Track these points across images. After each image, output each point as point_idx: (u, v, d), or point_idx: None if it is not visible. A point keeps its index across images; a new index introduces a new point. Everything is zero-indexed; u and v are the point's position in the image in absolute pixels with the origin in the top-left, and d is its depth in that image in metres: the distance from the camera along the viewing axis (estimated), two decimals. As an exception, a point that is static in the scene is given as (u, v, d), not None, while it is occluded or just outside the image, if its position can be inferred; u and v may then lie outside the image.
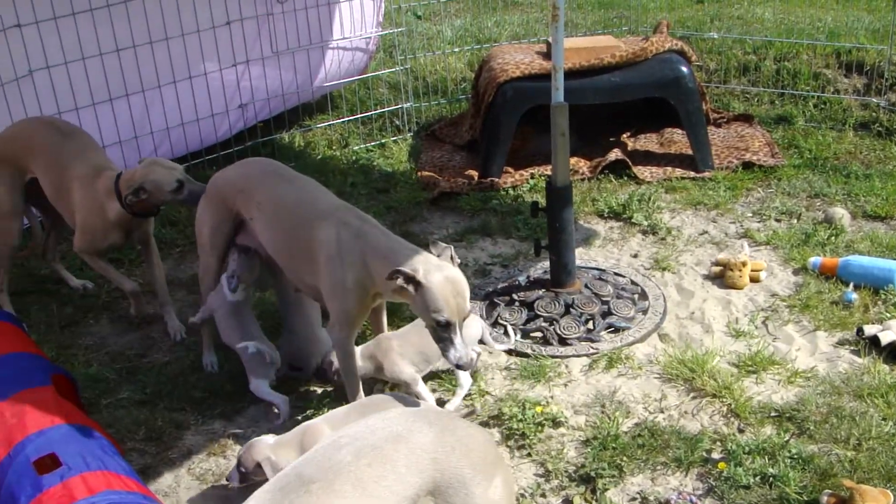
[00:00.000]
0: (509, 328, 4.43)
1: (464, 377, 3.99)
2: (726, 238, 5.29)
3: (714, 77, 7.45)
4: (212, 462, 3.74)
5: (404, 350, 3.96)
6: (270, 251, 3.98)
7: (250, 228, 4.05)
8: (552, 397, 4.03)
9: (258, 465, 3.27)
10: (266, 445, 3.32)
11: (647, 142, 6.67)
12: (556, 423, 3.83)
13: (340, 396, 3.96)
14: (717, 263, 4.94)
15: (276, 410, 3.96)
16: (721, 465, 3.49)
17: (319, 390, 4.15)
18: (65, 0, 5.33)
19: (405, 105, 7.22)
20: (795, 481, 3.34)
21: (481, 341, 4.25)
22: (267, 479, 2.66)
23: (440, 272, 3.36)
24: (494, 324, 4.55)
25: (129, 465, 3.26)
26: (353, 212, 3.76)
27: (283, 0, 6.52)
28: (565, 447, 3.70)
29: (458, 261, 3.55)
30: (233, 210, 4.07)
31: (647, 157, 6.39)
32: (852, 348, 4.22)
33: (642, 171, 6.13)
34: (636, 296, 4.71)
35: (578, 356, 4.31)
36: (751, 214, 5.55)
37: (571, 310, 4.51)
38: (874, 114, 6.75)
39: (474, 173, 6.26)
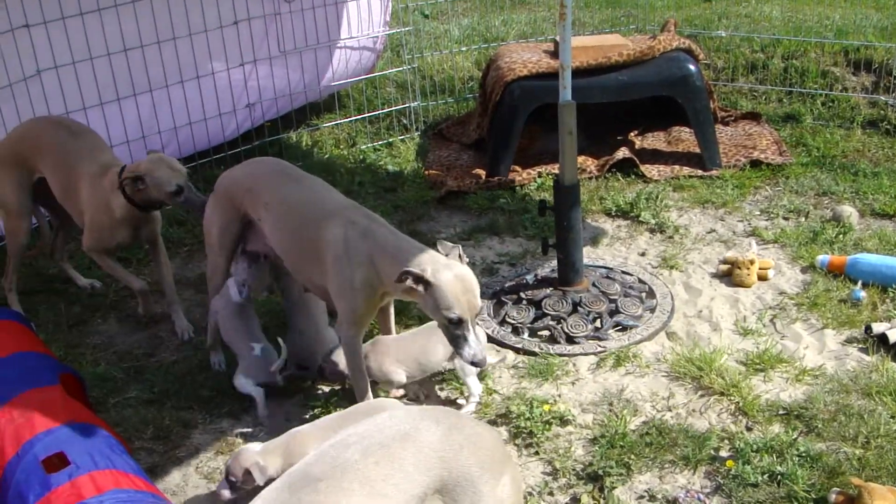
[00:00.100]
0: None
1: (473, 384, 3.96)
2: (734, 236, 5.29)
3: (722, 75, 7.43)
4: (220, 461, 3.74)
5: (399, 355, 3.96)
6: (278, 251, 3.98)
7: (258, 229, 4.06)
8: (560, 395, 4.02)
9: (247, 472, 3.26)
10: (253, 453, 3.31)
11: (655, 140, 6.66)
12: (563, 422, 3.83)
13: (348, 396, 3.97)
14: (724, 262, 4.93)
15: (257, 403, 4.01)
16: (729, 463, 3.49)
17: (327, 389, 4.15)
18: (73, 0, 5.34)
19: (412, 104, 7.22)
20: (803, 479, 3.34)
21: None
22: (257, 486, 2.65)
23: (449, 270, 3.36)
24: (502, 322, 4.55)
25: (137, 463, 3.27)
26: (361, 211, 3.76)
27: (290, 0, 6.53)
28: (573, 445, 3.70)
29: (467, 259, 3.55)
30: (241, 210, 4.07)
31: (655, 156, 6.38)
32: (860, 346, 4.21)
33: (650, 170, 6.12)
34: (644, 294, 4.70)
35: (586, 354, 4.30)
36: (759, 212, 5.54)
37: (579, 308, 4.51)
38: (882, 112, 6.73)
39: (482, 172, 6.26)
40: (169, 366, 4.40)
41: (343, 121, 7.15)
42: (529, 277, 4.85)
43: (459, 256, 3.49)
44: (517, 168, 6.22)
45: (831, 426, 3.64)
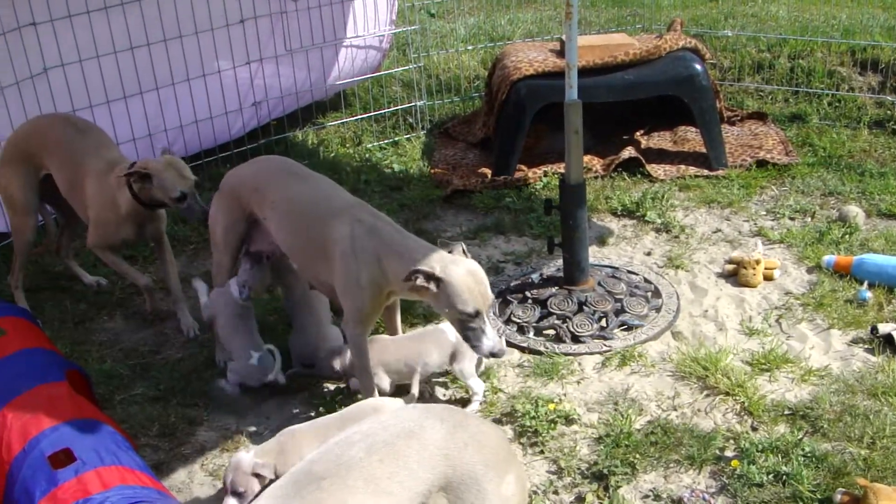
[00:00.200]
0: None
1: (475, 384, 3.95)
2: (740, 236, 5.28)
3: (728, 75, 7.42)
4: (225, 458, 3.75)
5: (392, 357, 3.95)
6: (285, 249, 3.99)
7: (264, 228, 4.06)
8: (565, 395, 4.02)
9: (253, 477, 3.24)
10: (251, 458, 3.29)
11: (661, 140, 6.65)
12: (568, 421, 3.83)
13: (353, 394, 3.97)
14: (730, 261, 4.92)
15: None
16: (734, 463, 3.48)
17: (332, 387, 4.16)
18: (79, -2, 5.36)
19: (418, 103, 7.22)
20: (809, 479, 3.33)
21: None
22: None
23: (458, 265, 3.37)
24: (508, 321, 4.55)
25: (142, 460, 3.28)
26: (367, 209, 3.76)
27: (296, -2, 6.54)
28: (578, 444, 3.70)
29: (470, 256, 3.55)
30: (246, 209, 4.08)
31: (661, 155, 6.38)
32: (866, 347, 4.20)
33: (656, 169, 6.12)
34: (649, 294, 4.70)
35: (591, 354, 4.30)
36: (764, 212, 5.53)
37: (584, 307, 4.50)
38: (889, 112, 6.71)
39: (487, 171, 6.26)
40: (175, 363, 4.41)
41: (349, 119, 7.15)
42: (535, 276, 4.85)
43: (463, 251, 3.49)
44: (523, 167, 6.21)
45: (837, 426, 3.64)
